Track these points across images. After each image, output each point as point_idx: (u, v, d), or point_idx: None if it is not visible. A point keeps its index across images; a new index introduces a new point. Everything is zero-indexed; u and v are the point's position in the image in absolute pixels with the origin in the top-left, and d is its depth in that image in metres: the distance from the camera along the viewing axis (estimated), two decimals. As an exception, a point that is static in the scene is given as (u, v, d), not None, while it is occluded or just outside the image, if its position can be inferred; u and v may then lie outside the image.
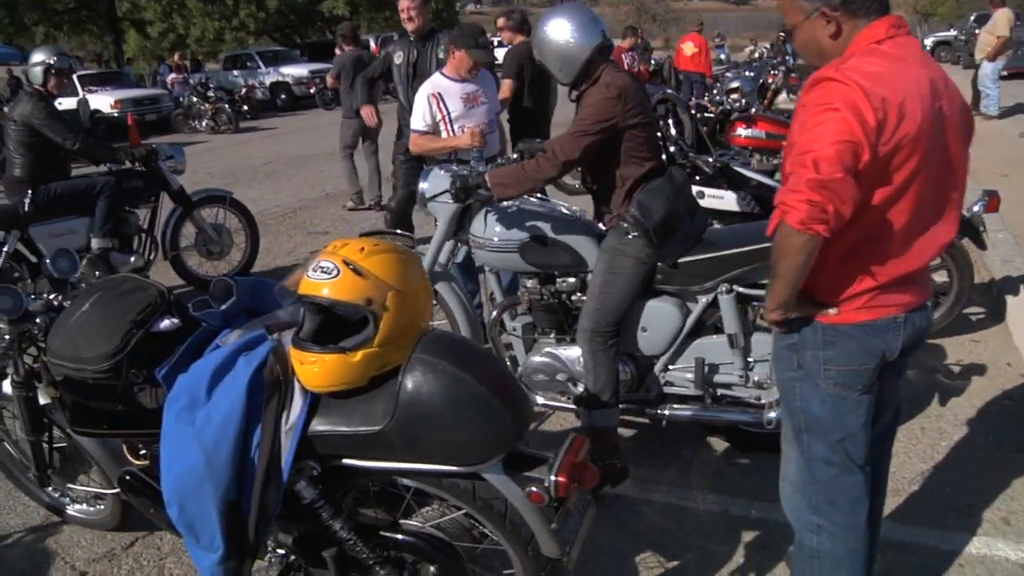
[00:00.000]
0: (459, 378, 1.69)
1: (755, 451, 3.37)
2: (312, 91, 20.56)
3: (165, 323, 2.04)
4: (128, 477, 2.23)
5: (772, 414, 3.11)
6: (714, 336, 3.20)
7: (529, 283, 3.37)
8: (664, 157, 3.15)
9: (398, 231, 3.84)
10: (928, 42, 33.06)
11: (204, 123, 16.83)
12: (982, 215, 4.14)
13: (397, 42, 5.08)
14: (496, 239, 3.29)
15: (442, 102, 4.18)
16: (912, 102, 1.75)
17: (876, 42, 1.81)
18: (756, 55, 20.21)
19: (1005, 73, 12.58)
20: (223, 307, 2.04)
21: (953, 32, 32.39)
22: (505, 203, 3.28)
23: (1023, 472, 3.20)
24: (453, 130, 4.19)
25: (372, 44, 25.96)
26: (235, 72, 22.48)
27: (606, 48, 3.01)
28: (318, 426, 1.79)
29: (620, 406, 3.19)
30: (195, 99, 16.96)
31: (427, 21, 4.94)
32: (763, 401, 3.19)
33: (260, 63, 22.24)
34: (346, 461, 1.84)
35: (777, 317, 1.96)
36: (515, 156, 3.45)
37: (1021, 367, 4.08)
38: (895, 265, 1.90)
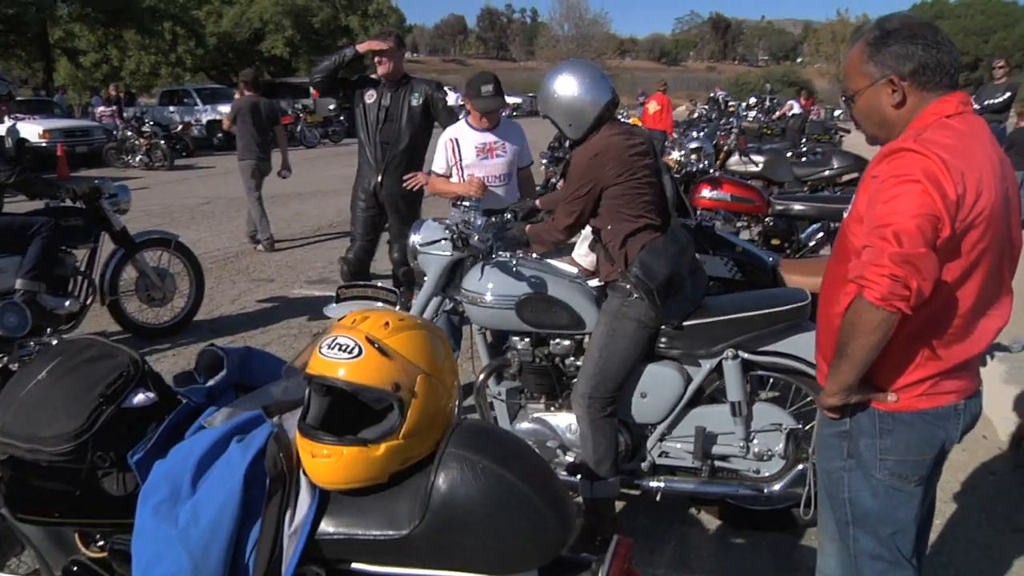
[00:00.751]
0: (501, 478, 1.46)
1: (749, 528, 3.21)
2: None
3: (139, 398, 1.75)
4: (76, 568, 1.92)
5: (776, 486, 2.98)
6: (715, 404, 3.06)
7: (520, 344, 3.18)
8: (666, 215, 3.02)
9: (379, 284, 3.60)
10: (851, 109, 34.76)
11: (138, 158, 16.19)
12: None
13: (367, 81, 4.86)
14: (489, 296, 3.10)
15: (457, 148, 4.21)
16: (987, 179, 1.67)
17: (947, 116, 1.71)
18: (695, 115, 20.73)
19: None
20: (212, 382, 1.76)
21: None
22: (501, 259, 3.14)
23: (1020, 554, 3.11)
24: (463, 176, 4.21)
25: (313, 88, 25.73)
26: (171, 108, 21.83)
27: (614, 104, 2.98)
28: (328, 527, 1.53)
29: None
30: (129, 133, 16.36)
31: (400, 66, 4.76)
32: (763, 474, 3.06)
33: (197, 100, 21.67)
34: (356, 566, 1.57)
35: (837, 402, 1.81)
36: (508, 216, 3.29)
37: (997, 440, 4.04)
38: (959, 349, 1.78)
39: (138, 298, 5.49)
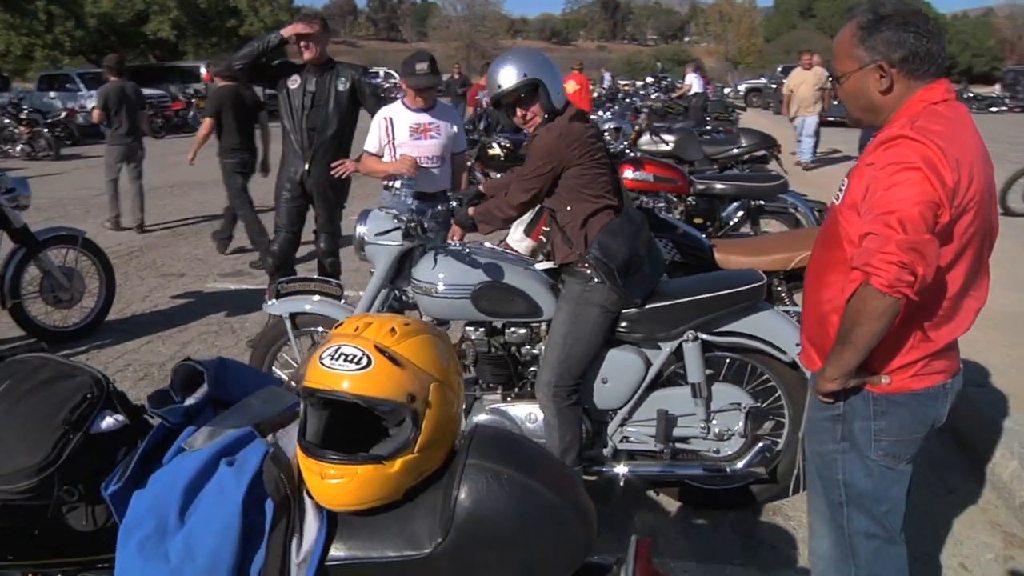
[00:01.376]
0: (528, 488, 1.38)
1: (709, 508, 3.24)
2: (140, 118, 18.98)
3: (107, 421, 1.58)
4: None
5: (739, 464, 3.02)
6: (674, 387, 3.07)
7: (474, 335, 3.10)
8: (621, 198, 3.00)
9: (327, 279, 3.45)
10: (741, 88, 35.87)
11: (19, 148, 15.09)
12: None
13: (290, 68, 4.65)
14: (442, 285, 3.01)
15: (391, 127, 4.14)
16: (976, 165, 1.70)
17: (934, 103, 1.73)
18: (595, 95, 20.90)
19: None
20: (192, 400, 1.60)
21: (763, 80, 35.27)
22: (454, 247, 3.07)
23: (958, 514, 3.26)
24: (395, 156, 4.14)
25: (203, 71, 24.63)
26: (52, 93, 20.41)
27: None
28: (340, 552, 1.41)
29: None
30: (7, 120, 15.22)
31: (325, 51, 4.55)
32: (723, 453, 3.09)
33: (80, 85, 20.27)
34: (369, 590, 1.47)
35: (836, 387, 1.82)
36: (454, 203, 3.20)
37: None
38: (948, 330, 1.81)
39: (43, 300, 5.09)
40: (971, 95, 27.48)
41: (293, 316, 3.37)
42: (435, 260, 3.04)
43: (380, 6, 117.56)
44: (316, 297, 3.41)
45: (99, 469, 1.56)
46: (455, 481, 1.38)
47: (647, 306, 2.94)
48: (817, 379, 1.88)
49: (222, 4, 32.97)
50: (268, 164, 7.21)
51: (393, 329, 1.44)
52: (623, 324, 2.96)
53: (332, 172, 4.42)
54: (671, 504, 3.30)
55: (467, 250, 3.07)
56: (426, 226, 3.02)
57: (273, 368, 3.55)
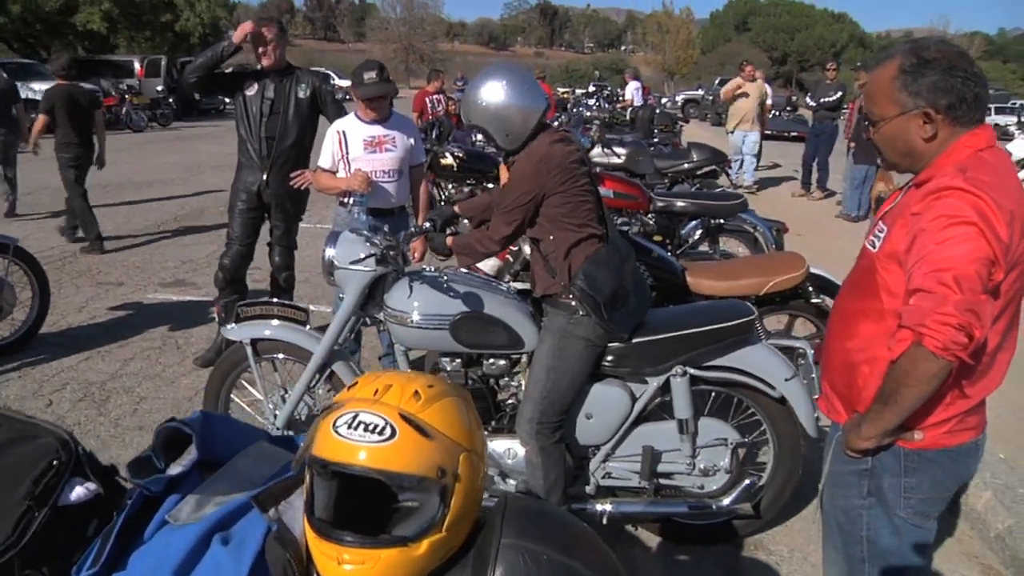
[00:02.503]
0: (569, 570, 1.25)
1: (690, 543, 3.15)
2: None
3: (77, 492, 1.38)
4: None
5: (725, 501, 2.94)
6: (660, 422, 2.96)
7: (450, 366, 2.96)
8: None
9: (288, 303, 3.24)
10: (679, 99, 36.40)
11: (-65, 142, 14.29)
12: None
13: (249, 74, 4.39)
14: (417, 315, 2.84)
15: (344, 141, 3.97)
16: None
17: (979, 150, 1.64)
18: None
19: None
20: (179, 468, 1.40)
21: (700, 91, 35.85)
22: (429, 273, 2.94)
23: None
24: (349, 171, 3.97)
25: (137, 66, 23.74)
26: (-30, 85, 19.40)
27: (546, 110, 2.80)
28: (355, 645, 1.25)
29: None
30: (-78, 114, 14.37)
31: (283, 56, 4.32)
32: (708, 489, 3.00)
33: (4, 75, 19.31)
34: None
35: (871, 445, 1.73)
36: (427, 224, 3.03)
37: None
38: (983, 386, 1.74)
39: (-31, 314, 4.73)
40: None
41: (254, 342, 3.16)
42: (410, 288, 2.87)
43: (318, 5, 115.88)
44: (276, 322, 3.20)
45: (68, 546, 1.36)
46: (489, 563, 1.24)
47: (634, 340, 2.82)
48: (849, 435, 1.78)
49: (156, -4, 31.80)
50: (104, 159, 8.00)
51: (417, 392, 1.28)
52: (609, 358, 2.84)
53: (291, 183, 4.21)
54: (652, 539, 3.19)
55: (444, 277, 2.91)
56: (404, 252, 2.87)
57: (231, 395, 3.33)
